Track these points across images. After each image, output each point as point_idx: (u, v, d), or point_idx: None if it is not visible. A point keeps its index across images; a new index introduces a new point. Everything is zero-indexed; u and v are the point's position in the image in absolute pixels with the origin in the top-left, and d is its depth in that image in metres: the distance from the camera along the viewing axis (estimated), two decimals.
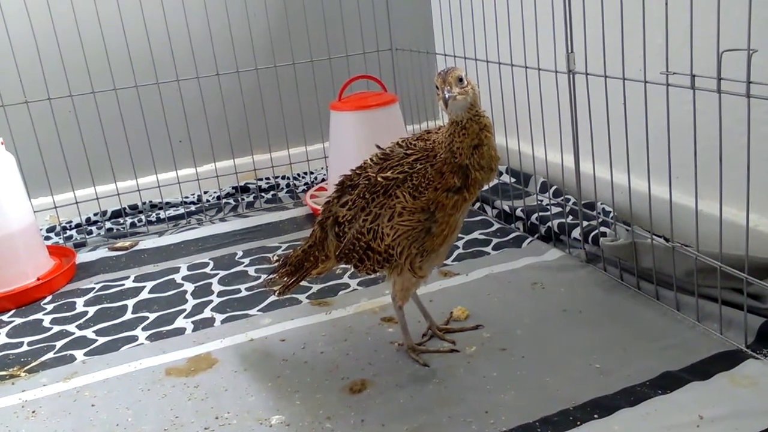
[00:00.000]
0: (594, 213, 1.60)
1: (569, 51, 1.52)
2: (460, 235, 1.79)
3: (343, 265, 1.32)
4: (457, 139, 1.13)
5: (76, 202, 2.14)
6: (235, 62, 2.24)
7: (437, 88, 1.12)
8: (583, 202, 1.64)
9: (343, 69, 2.33)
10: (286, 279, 1.37)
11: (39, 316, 1.65)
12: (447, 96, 1.09)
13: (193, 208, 2.31)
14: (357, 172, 1.26)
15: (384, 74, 2.35)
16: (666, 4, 1.22)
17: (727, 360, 1.18)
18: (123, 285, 1.77)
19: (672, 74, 1.21)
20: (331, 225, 1.27)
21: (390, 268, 1.23)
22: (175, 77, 2.16)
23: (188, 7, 2.16)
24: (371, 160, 1.25)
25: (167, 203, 2.33)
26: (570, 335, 1.32)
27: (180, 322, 1.54)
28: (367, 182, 1.21)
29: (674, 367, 1.17)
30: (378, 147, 1.27)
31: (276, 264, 1.41)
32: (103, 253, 2.01)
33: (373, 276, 1.34)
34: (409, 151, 1.19)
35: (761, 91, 1.07)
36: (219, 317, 1.54)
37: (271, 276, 1.42)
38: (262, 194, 2.38)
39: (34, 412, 1.26)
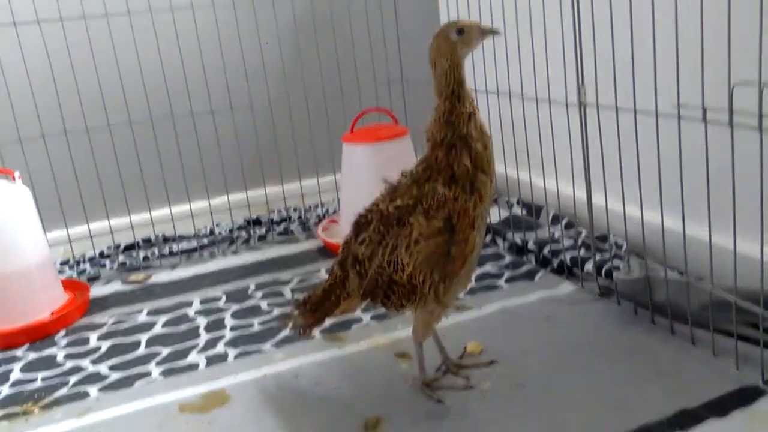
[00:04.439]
0: (606, 246, 1.60)
1: (580, 84, 1.53)
2: None
3: (371, 304, 1.30)
4: (458, 104, 1.17)
5: (90, 236, 2.15)
6: (249, 96, 2.26)
7: (460, 32, 1.16)
8: (595, 235, 1.63)
9: (355, 101, 2.36)
10: (306, 317, 1.36)
11: (53, 350, 1.66)
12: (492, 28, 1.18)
13: (205, 241, 2.33)
14: (370, 208, 1.27)
15: (395, 106, 2.37)
16: (676, 37, 1.23)
17: (745, 396, 1.16)
18: (136, 319, 1.78)
19: (683, 107, 1.22)
20: (351, 264, 1.27)
21: (414, 300, 1.22)
22: (189, 111, 2.19)
23: (203, 42, 2.19)
24: (381, 194, 1.26)
25: (180, 236, 2.34)
26: (585, 371, 1.31)
27: (193, 357, 1.54)
28: (379, 216, 1.22)
29: (691, 403, 1.16)
30: (385, 181, 1.28)
31: (294, 304, 1.41)
32: (116, 286, 2.02)
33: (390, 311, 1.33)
34: (415, 177, 1.21)
35: None
36: (232, 352, 1.54)
37: (289, 314, 1.41)
38: (275, 227, 2.39)
39: None
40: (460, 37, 1.16)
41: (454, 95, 1.17)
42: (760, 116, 1.08)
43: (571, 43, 1.51)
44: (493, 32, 1.18)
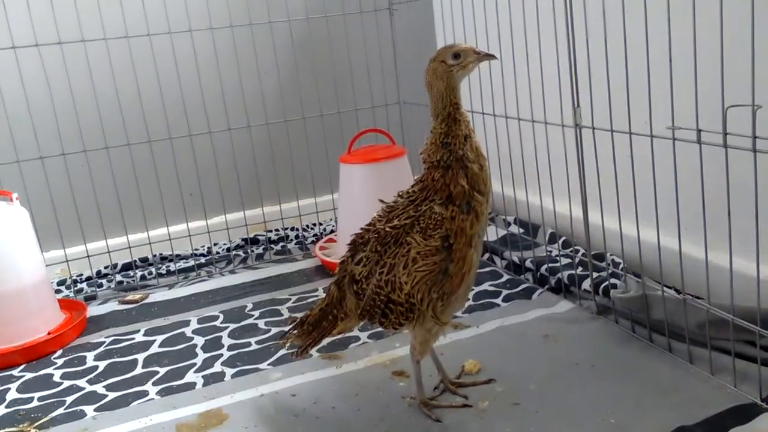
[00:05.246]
0: (603, 264, 1.61)
1: (575, 106, 1.54)
2: None
3: (368, 323, 1.30)
4: (454, 127, 1.18)
5: (88, 256, 2.15)
6: (247, 117, 2.28)
7: (456, 56, 1.17)
8: (592, 253, 1.64)
9: (353, 123, 2.37)
10: (303, 338, 1.36)
11: (49, 370, 1.65)
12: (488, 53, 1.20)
13: (203, 260, 2.33)
14: (367, 228, 1.27)
15: (392, 127, 2.39)
16: (670, 60, 1.24)
17: (742, 414, 1.16)
18: (133, 339, 1.77)
19: (678, 129, 1.23)
20: (349, 283, 1.27)
21: (412, 319, 1.22)
22: (187, 132, 2.20)
23: (201, 64, 2.21)
24: (378, 215, 1.27)
25: (177, 255, 2.34)
26: (583, 389, 1.31)
27: (190, 377, 1.53)
28: (376, 236, 1.23)
29: (689, 421, 1.16)
30: (382, 201, 1.29)
31: (292, 324, 1.41)
32: (113, 306, 2.02)
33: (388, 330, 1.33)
34: (412, 198, 1.22)
35: (767, 145, 1.08)
36: (229, 371, 1.53)
37: (287, 333, 1.41)
38: (272, 246, 2.40)
39: None
40: (456, 61, 1.18)
41: (450, 117, 1.18)
42: (754, 137, 1.09)
43: (566, 66, 1.53)
44: (489, 57, 1.20)
